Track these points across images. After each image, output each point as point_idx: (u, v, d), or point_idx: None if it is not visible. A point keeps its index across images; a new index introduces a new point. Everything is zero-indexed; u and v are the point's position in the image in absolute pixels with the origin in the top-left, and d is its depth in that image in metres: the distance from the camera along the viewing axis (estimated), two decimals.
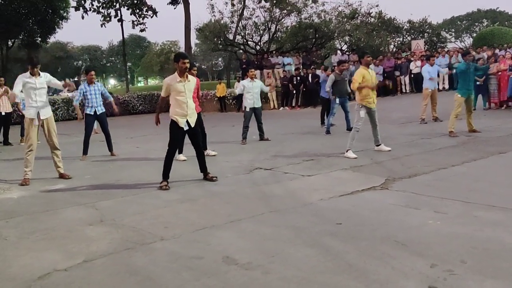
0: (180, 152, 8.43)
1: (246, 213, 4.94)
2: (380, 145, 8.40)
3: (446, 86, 20.27)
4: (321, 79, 13.52)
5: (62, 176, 7.37)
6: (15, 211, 5.50)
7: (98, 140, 9.89)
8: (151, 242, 4.16)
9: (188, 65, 6.40)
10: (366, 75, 8.13)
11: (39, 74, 7.20)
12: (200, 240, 4.16)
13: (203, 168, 6.80)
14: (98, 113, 9.44)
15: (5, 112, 12.44)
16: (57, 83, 7.64)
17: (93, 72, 9.70)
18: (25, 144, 7.31)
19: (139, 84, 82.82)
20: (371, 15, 27.23)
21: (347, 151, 7.97)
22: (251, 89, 10.63)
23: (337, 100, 11.25)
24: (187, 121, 6.43)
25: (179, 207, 5.40)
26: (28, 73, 7.14)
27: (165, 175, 6.41)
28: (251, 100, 10.65)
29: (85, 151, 9.33)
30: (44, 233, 4.59)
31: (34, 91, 7.13)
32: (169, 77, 6.53)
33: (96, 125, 10.17)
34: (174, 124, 6.43)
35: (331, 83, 11.28)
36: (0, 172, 8.21)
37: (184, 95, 6.36)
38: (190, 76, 6.53)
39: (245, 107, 10.79)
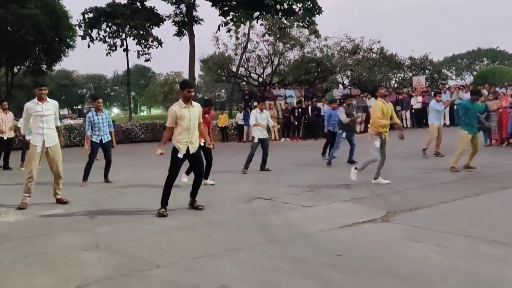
0: (188, 173, 8.48)
1: (244, 242, 4.86)
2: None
3: (447, 122, 20.34)
4: (326, 113, 13.54)
5: (59, 201, 7.29)
6: (10, 234, 5.42)
7: (98, 166, 9.85)
8: (146, 269, 4.07)
9: (193, 94, 6.39)
10: (384, 109, 8.21)
11: (46, 100, 7.07)
12: (196, 269, 4.08)
13: (194, 194, 6.69)
14: (103, 142, 9.43)
15: (7, 137, 12.46)
16: (57, 121, 7.34)
17: (100, 100, 9.64)
18: (26, 170, 7.20)
19: (142, 113, 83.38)
20: (373, 50, 27.57)
21: (376, 179, 8.10)
22: (260, 119, 10.73)
23: (344, 135, 11.22)
24: (187, 149, 6.40)
25: (177, 234, 5.32)
26: (35, 99, 7.04)
27: (164, 202, 6.33)
28: (260, 131, 10.73)
29: (85, 177, 9.26)
30: (38, 257, 4.51)
31: (41, 118, 6.98)
32: (174, 105, 6.48)
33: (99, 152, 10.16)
34: (176, 151, 6.37)
35: (344, 115, 11.22)
36: None
37: (189, 121, 6.32)
38: (194, 103, 6.51)
39: (253, 137, 10.78)
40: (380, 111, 8.16)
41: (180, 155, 6.34)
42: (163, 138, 6.65)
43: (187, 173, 8.53)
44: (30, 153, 7.12)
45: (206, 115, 8.55)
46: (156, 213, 6.24)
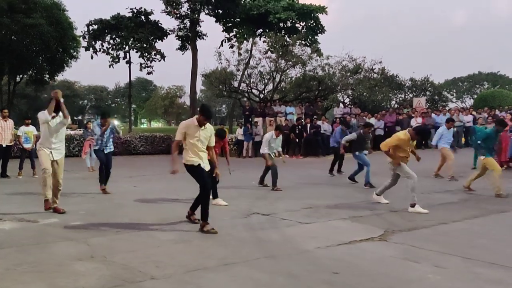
0: (216, 196, 8.20)
1: (240, 257, 4.82)
2: (380, 196, 8.30)
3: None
4: (331, 131, 13.58)
5: (56, 210, 7.25)
6: (5, 242, 5.38)
7: (96, 177, 9.83)
8: (140, 281, 4.03)
9: (207, 124, 6.33)
10: (402, 141, 7.86)
11: (57, 114, 7.16)
12: (191, 282, 4.03)
13: (194, 207, 6.60)
14: (105, 152, 9.62)
15: (6, 145, 12.44)
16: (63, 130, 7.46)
17: (109, 119, 9.89)
18: (40, 169, 7.19)
19: (142, 126, 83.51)
20: (374, 71, 27.69)
21: (413, 206, 7.56)
22: (273, 143, 10.80)
23: (357, 153, 11.12)
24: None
25: (173, 247, 5.28)
26: (46, 111, 7.07)
27: (207, 215, 6.10)
28: (272, 154, 10.79)
29: (104, 181, 9.47)
30: (32, 265, 4.46)
31: (53, 132, 7.12)
32: (186, 120, 6.47)
33: (94, 162, 10.21)
34: (191, 166, 6.24)
35: (351, 139, 11.19)
36: None
37: (198, 141, 6.25)
38: (208, 125, 6.43)
39: (267, 153, 10.74)
40: (395, 142, 7.86)
41: (196, 164, 6.23)
42: (172, 156, 6.48)
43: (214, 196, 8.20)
44: (42, 157, 7.14)
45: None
46: (203, 229, 5.99)
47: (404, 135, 7.94)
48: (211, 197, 6.76)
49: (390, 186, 8.28)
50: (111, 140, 9.73)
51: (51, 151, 7.10)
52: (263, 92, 27.24)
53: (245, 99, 28.65)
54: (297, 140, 20.35)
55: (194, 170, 6.24)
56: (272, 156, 10.77)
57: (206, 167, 6.39)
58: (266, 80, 26.79)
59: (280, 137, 11.04)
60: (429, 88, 35.92)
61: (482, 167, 9.60)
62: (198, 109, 6.62)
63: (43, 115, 7.12)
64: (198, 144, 6.24)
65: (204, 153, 6.38)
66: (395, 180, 8.22)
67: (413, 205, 7.54)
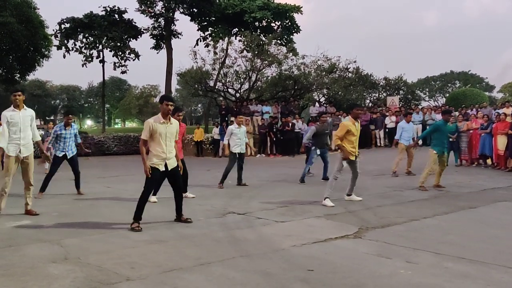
0: (154, 193, 8.27)
1: (216, 256, 4.83)
2: (351, 195, 8.43)
3: (420, 142, 20.72)
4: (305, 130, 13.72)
5: (28, 212, 7.13)
6: None
7: (68, 178, 9.69)
8: (116, 282, 4.01)
9: (172, 107, 6.38)
10: (352, 128, 8.10)
11: (23, 107, 6.88)
12: (167, 282, 4.03)
13: (179, 209, 6.67)
14: (68, 157, 9.28)
15: None
16: (36, 133, 7.15)
17: (71, 116, 9.71)
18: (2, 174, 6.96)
19: (116, 126, 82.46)
20: (349, 70, 28.03)
21: (324, 199, 7.93)
22: (238, 134, 10.72)
23: (318, 151, 11.31)
24: (165, 165, 6.36)
25: (148, 248, 5.25)
26: (11, 107, 6.82)
27: (138, 216, 6.22)
28: (238, 146, 10.72)
29: (43, 189, 9.00)
30: (4, 269, 4.38)
31: (17, 126, 6.76)
32: (152, 118, 6.44)
33: (47, 165, 10.07)
34: (152, 168, 6.30)
35: (311, 134, 11.36)
36: None
37: (164, 137, 6.27)
38: (173, 120, 6.49)
39: (231, 152, 10.74)
40: (343, 132, 8.05)
41: (161, 169, 6.31)
42: (142, 155, 6.39)
43: (154, 193, 8.28)
44: (8, 163, 6.86)
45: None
46: (129, 227, 6.15)
47: (348, 119, 8.39)
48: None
49: (354, 179, 8.41)
50: (73, 143, 9.40)
51: (20, 148, 6.87)
52: (239, 91, 27.26)
53: (221, 98, 28.59)
54: (274, 139, 20.45)
55: (152, 172, 6.28)
56: (239, 146, 10.69)
57: (171, 164, 6.43)
58: (242, 79, 26.82)
59: (244, 128, 11.03)
60: (403, 87, 36.49)
61: (440, 162, 9.83)
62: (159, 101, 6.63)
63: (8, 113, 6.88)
64: (164, 142, 6.28)
65: (171, 149, 6.42)
66: (355, 172, 8.37)
67: (325, 198, 7.92)
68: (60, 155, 9.23)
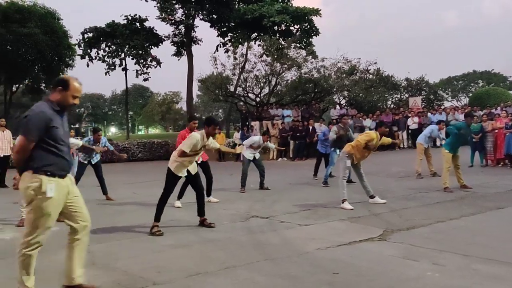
0: (179, 198, 8.41)
1: (240, 260, 4.85)
2: (374, 197, 8.36)
3: (443, 142, 20.41)
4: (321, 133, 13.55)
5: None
6: (7, 251, 5.39)
7: (95, 185, 9.86)
8: (142, 287, 4.06)
9: (218, 132, 6.65)
10: (374, 141, 8.23)
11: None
12: (193, 286, 4.07)
13: (201, 212, 6.74)
14: (92, 163, 9.82)
15: (4, 155, 12.46)
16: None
17: (101, 133, 10.11)
18: None
19: (139, 133, 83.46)
20: (370, 71, 27.76)
21: (342, 202, 7.92)
22: (259, 146, 10.95)
23: (338, 152, 11.22)
24: (187, 170, 6.58)
25: (173, 252, 5.31)
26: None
27: (157, 217, 6.36)
28: (252, 154, 10.88)
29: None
30: (36, 273, 4.47)
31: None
32: (199, 133, 6.56)
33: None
34: (172, 173, 6.46)
35: (334, 134, 11.28)
36: None
37: (197, 154, 6.56)
38: (210, 139, 6.70)
39: (244, 157, 10.87)
40: (365, 140, 8.20)
41: (182, 175, 6.54)
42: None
43: (179, 197, 8.49)
44: None
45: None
46: (149, 230, 6.24)
47: (377, 132, 8.41)
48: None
49: (362, 182, 8.42)
50: (98, 154, 9.97)
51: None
52: (259, 95, 27.29)
53: (241, 103, 28.68)
54: (297, 143, 20.36)
55: (171, 175, 6.46)
56: (252, 153, 10.86)
57: (192, 168, 6.71)
58: (262, 84, 26.85)
59: (268, 142, 11.26)
60: (425, 88, 36.02)
61: (454, 162, 9.68)
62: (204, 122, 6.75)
63: None
64: (195, 157, 6.61)
65: (194, 160, 6.71)
66: (359, 175, 8.40)
67: (342, 201, 7.94)
68: (86, 162, 9.69)
